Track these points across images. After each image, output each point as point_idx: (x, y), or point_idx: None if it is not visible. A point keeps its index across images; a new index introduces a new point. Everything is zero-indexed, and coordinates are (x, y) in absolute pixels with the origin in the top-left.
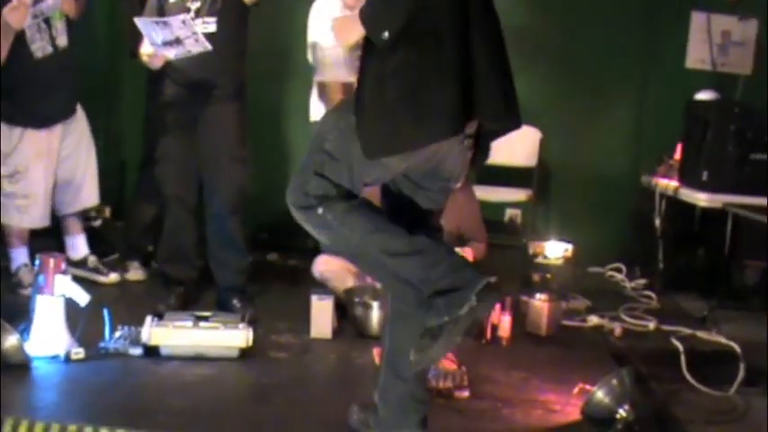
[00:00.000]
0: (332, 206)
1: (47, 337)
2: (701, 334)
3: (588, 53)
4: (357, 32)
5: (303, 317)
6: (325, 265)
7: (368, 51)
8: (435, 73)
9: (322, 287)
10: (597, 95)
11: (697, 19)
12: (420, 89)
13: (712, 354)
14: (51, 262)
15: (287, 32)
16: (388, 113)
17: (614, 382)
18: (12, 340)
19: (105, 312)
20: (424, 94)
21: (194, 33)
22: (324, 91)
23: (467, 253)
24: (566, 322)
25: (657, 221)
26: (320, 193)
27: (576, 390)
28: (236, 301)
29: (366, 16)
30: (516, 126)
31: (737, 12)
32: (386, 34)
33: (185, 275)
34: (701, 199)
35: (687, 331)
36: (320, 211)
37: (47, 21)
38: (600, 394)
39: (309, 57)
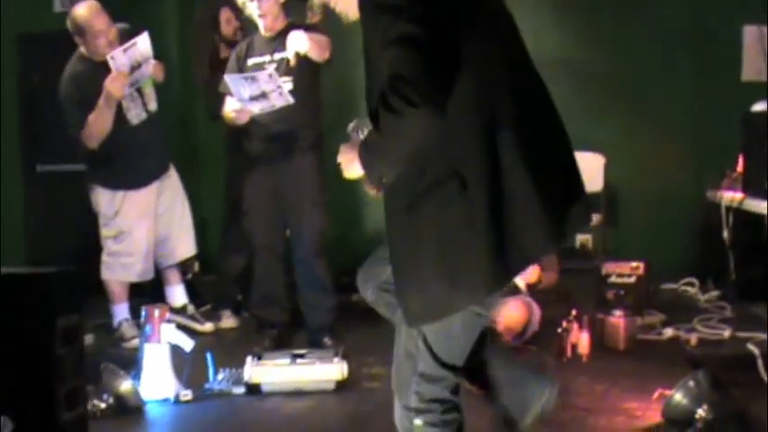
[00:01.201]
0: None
1: (156, 381)
2: None
3: (642, 76)
4: (359, 169)
5: (390, 350)
6: None
7: (386, 200)
8: (463, 224)
9: None
10: (656, 116)
11: (750, 32)
12: (450, 247)
13: None
14: (156, 312)
15: (352, 85)
16: (420, 276)
17: (691, 384)
18: (127, 385)
19: (208, 356)
20: (454, 251)
21: (279, 87)
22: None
23: (535, 272)
24: (642, 336)
25: (726, 234)
26: (422, 394)
27: (655, 395)
28: (326, 339)
29: (362, 157)
30: (586, 219)
31: None
32: (383, 180)
33: (278, 318)
34: (766, 207)
35: (762, 336)
36: (417, 421)
37: (138, 89)
38: (678, 396)
39: None
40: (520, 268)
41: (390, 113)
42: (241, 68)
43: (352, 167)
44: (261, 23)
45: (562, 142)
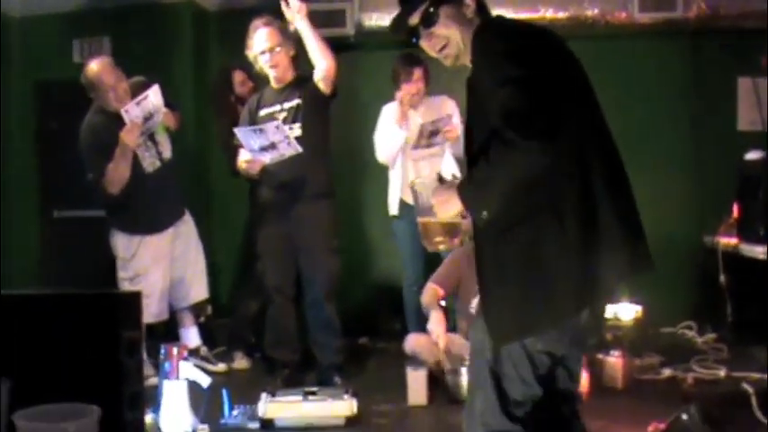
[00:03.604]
0: None
1: (175, 416)
2: None
3: (642, 126)
4: (455, 207)
5: (398, 389)
6: (416, 341)
7: (478, 230)
8: (556, 249)
9: (413, 362)
10: (655, 165)
11: (743, 84)
12: (541, 269)
13: None
14: (175, 350)
15: (358, 134)
16: (510, 297)
17: (684, 417)
18: (148, 419)
19: (224, 392)
20: (545, 274)
21: (286, 137)
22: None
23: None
24: (640, 376)
25: (722, 278)
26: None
27: (650, 428)
28: (336, 378)
29: (463, 195)
30: (648, 268)
31: None
32: (485, 214)
33: (289, 358)
34: (760, 252)
35: (756, 376)
36: None
37: (152, 138)
38: (671, 429)
39: (377, 155)
40: (604, 293)
41: (504, 145)
42: (253, 119)
43: (447, 206)
44: (272, 75)
45: (631, 194)
